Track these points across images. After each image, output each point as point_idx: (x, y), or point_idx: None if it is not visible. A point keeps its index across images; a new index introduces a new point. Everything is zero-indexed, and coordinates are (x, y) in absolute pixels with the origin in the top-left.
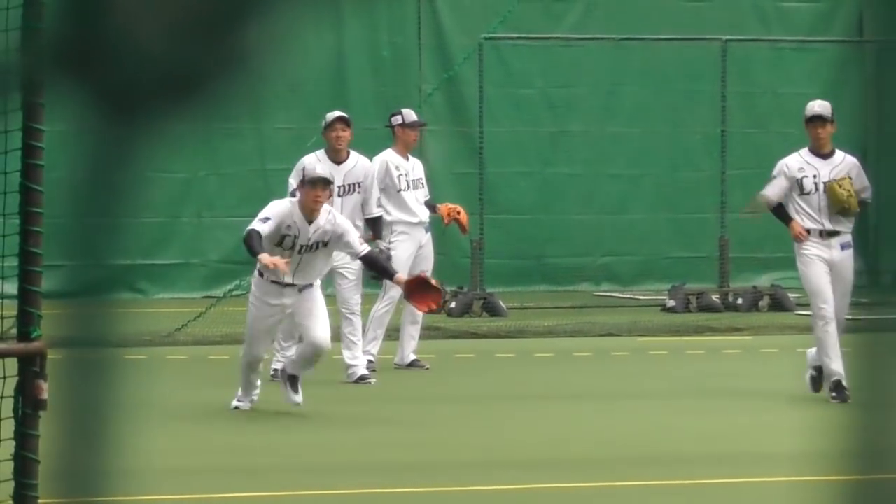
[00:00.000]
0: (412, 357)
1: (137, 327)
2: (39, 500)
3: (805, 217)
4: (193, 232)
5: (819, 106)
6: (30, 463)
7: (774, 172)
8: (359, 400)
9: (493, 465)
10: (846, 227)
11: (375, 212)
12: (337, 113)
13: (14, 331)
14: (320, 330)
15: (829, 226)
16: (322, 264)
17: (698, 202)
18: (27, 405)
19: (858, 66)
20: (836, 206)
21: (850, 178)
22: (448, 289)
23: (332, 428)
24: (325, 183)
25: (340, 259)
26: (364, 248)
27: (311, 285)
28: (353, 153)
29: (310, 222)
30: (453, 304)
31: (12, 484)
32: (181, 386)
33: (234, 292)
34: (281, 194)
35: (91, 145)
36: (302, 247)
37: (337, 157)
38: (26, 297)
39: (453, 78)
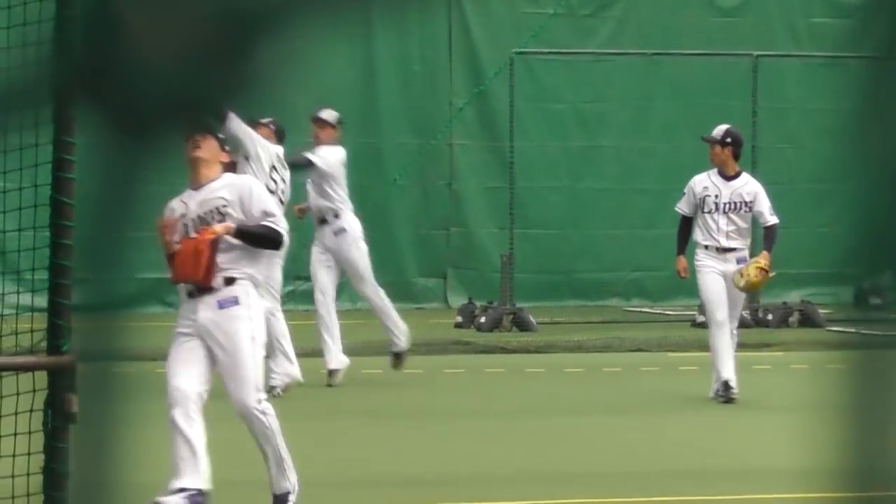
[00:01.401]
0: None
1: (167, 340)
2: None
3: (705, 232)
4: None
5: (716, 130)
6: (59, 476)
7: (685, 189)
8: (386, 415)
9: (522, 479)
10: (742, 245)
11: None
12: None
13: (44, 344)
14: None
15: (724, 244)
16: None
17: None
18: (56, 418)
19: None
20: (756, 288)
21: (757, 264)
22: (478, 303)
23: (364, 443)
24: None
25: None
26: None
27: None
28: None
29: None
30: (483, 319)
31: (42, 497)
32: (211, 399)
33: None
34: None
35: (103, 161)
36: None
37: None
38: (56, 310)
39: (484, 92)
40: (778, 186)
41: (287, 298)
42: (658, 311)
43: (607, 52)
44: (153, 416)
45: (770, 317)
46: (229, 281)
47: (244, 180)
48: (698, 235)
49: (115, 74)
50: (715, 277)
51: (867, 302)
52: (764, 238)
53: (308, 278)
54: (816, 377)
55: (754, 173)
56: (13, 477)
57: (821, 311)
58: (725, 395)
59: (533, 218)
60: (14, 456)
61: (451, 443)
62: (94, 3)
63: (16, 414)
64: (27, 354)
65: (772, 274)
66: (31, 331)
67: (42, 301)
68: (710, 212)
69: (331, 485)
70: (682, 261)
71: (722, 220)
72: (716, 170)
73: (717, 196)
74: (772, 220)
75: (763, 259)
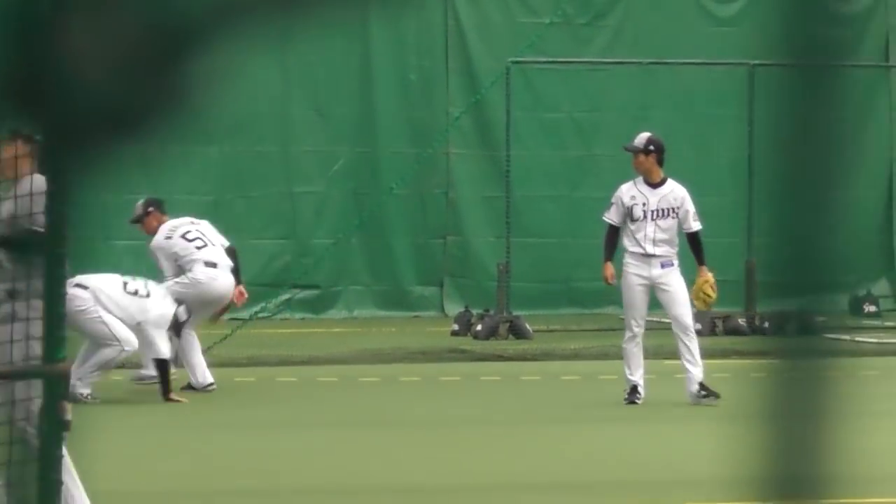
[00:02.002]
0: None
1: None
2: None
3: (632, 239)
4: None
5: (637, 140)
6: (53, 484)
7: (612, 199)
8: (383, 423)
9: (519, 488)
10: (668, 253)
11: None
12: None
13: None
14: None
15: (650, 250)
16: None
17: (725, 226)
18: (51, 426)
19: (885, 91)
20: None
21: (707, 282)
22: (474, 311)
23: (360, 451)
24: None
25: None
26: None
27: None
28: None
29: None
30: (479, 327)
31: None
32: (206, 407)
33: (260, 314)
34: (307, 216)
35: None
36: None
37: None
38: (51, 320)
39: (481, 101)
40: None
41: (284, 306)
42: (654, 319)
43: (604, 61)
44: (167, 424)
45: (767, 325)
46: None
47: None
48: (626, 242)
49: (46, 86)
50: (638, 289)
51: (861, 310)
52: (692, 249)
53: (305, 287)
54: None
55: (749, 182)
56: (9, 485)
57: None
58: (630, 398)
59: (529, 226)
60: (10, 463)
61: (447, 451)
62: (24, 15)
63: (10, 422)
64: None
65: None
66: (27, 339)
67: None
68: (638, 219)
69: (328, 492)
70: (610, 268)
71: (650, 228)
72: (640, 178)
73: (644, 204)
74: (695, 226)
75: (706, 274)
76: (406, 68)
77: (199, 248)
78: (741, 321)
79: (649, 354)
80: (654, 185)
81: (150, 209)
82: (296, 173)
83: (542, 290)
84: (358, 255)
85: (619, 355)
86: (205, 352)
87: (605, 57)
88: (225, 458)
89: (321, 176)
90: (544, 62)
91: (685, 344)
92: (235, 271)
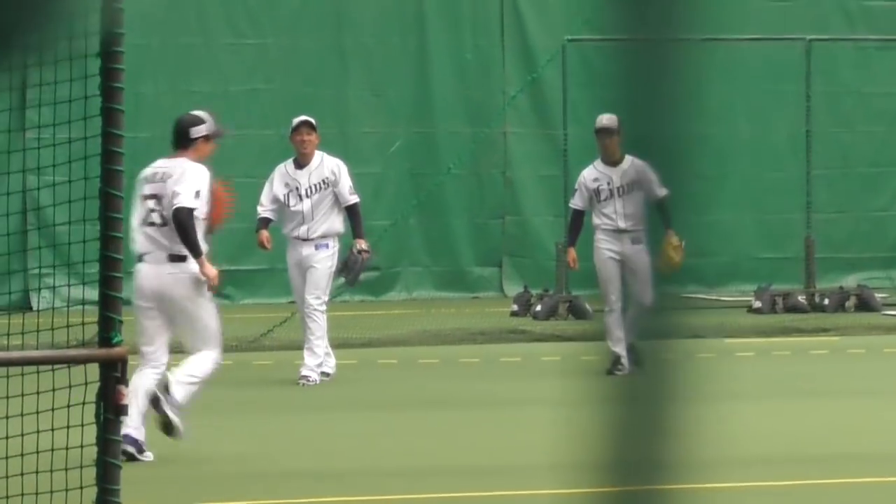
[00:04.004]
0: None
1: (224, 333)
2: None
3: (603, 217)
4: (279, 237)
5: (607, 119)
6: (112, 468)
7: (576, 185)
8: (443, 404)
9: (580, 467)
10: (637, 227)
11: (350, 199)
12: (302, 117)
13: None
14: None
15: (621, 225)
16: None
17: (784, 202)
18: (109, 411)
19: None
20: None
21: (671, 245)
22: (533, 292)
23: (421, 431)
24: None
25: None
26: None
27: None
28: (317, 154)
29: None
30: (539, 307)
31: (95, 490)
32: (266, 390)
33: None
34: (365, 198)
35: None
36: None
37: (302, 161)
38: (107, 303)
39: (537, 80)
40: (832, 171)
41: (343, 289)
42: (714, 298)
43: (660, 37)
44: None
45: (826, 301)
46: None
47: None
48: (596, 221)
49: None
50: (610, 263)
51: None
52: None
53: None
54: (874, 361)
55: (808, 158)
56: (66, 470)
57: (877, 295)
58: (611, 369)
59: None
60: (67, 448)
61: (508, 432)
62: None
63: (68, 407)
64: (79, 347)
65: (683, 243)
66: (83, 323)
67: (94, 294)
68: (605, 199)
69: (388, 474)
70: (573, 252)
71: (618, 204)
72: (599, 160)
73: (609, 183)
74: (661, 191)
75: (673, 238)
76: (462, 48)
77: None
78: (801, 298)
79: (708, 333)
80: (615, 164)
81: None
82: (353, 154)
83: None
84: (416, 236)
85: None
86: (264, 335)
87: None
88: (285, 440)
89: (379, 157)
90: (600, 39)
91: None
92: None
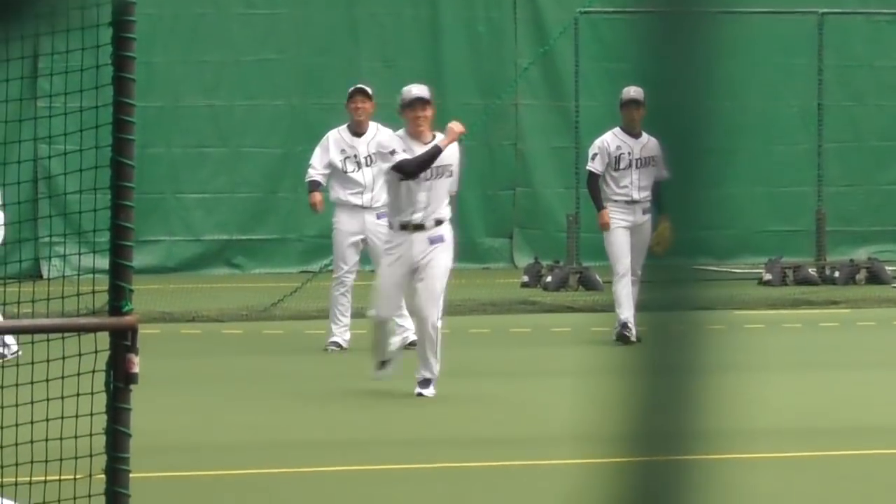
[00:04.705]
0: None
1: (235, 302)
2: (131, 474)
3: (617, 187)
4: (290, 207)
5: (635, 91)
6: (122, 437)
7: (594, 150)
8: (452, 373)
9: (589, 438)
10: (648, 198)
11: None
12: (358, 85)
13: (106, 305)
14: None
15: (636, 196)
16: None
17: (795, 175)
18: (119, 379)
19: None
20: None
21: (666, 228)
22: (544, 263)
23: (430, 401)
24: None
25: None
26: None
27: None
28: (372, 123)
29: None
30: (549, 278)
31: (105, 458)
32: (276, 359)
33: (330, 267)
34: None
35: None
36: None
37: (357, 129)
38: (117, 272)
39: (549, 52)
40: (844, 144)
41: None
42: (724, 270)
43: (670, 10)
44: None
45: (837, 274)
46: None
47: None
48: (607, 191)
49: None
50: (621, 232)
51: None
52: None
53: None
54: (884, 334)
55: (819, 131)
56: (76, 437)
57: (888, 268)
58: (620, 332)
59: None
60: (77, 416)
61: (517, 402)
62: None
63: (78, 375)
64: (90, 315)
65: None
66: (94, 291)
67: (104, 263)
68: (624, 168)
69: (399, 443)
70: (606, 214)
71: (635, 175)
72: (618, 129)
73: (629, 153)
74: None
75: (665, 220)
76: (474, 20)
77: None
78: (811, 271)
79: (719, 305)
80: (636, 136)
81: None
82: None
83: None
84: None
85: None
86: (274, 305)
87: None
88: (296, 409)
89: (390, 128)
90: (612, 12)
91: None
92: None
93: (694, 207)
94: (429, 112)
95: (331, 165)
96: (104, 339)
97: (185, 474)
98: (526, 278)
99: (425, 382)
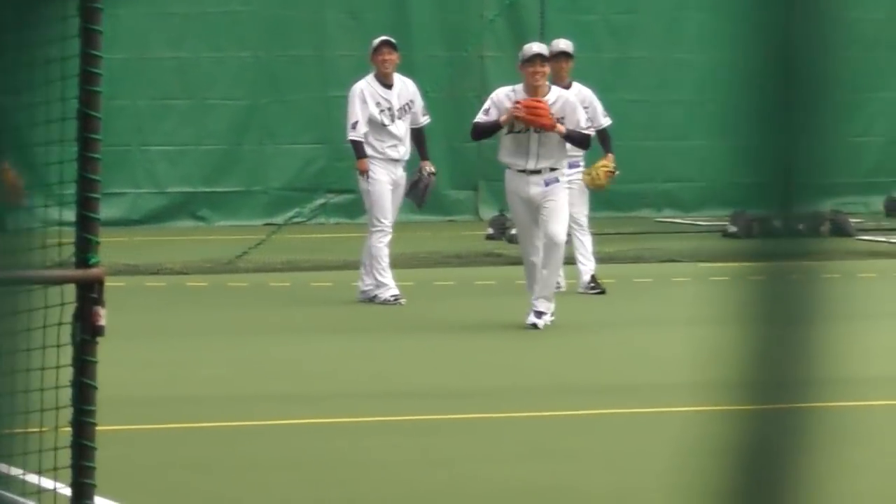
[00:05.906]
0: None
1: (199, 254)
2: (97, 427)
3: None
4: (255, 159)
5: (564, 43)
6: (88, 389)
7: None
8: (417, 327)
9: (552, 391)
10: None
11: (422, 121)
12: (383, 37)
13: (73, 258)
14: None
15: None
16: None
17: None
18: (85, 332)
19: None
20: (602, 188)
21: (605, 168)
22: (509, 215)
23: (395, 355)
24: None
25: None
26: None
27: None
28: (396, 75)
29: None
30: (514, 231)
31: (71, 410)
32: (242, 313)
33: (295, 219)
34: (342, 121)
35: None
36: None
37: (386, 81)
38: (84, 224)
39: (515, 4)
40: None
41: (318, 211)
42: (689, 222)
43: None
44: (169, 328)
45: (801, 227)
46: None
47: None
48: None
49: None
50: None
51: None
52: (602, 142)
53: (339, 191)
54: (848, 286)
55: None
56: (42, 390)
57: (851, 220)
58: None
59: None
60: (43, 369)
61: (483, 355)
62: None
63: (44, 327)
64: (55, 268)
65: (617, 172)
66: (59, 244)
67: (70, 215)
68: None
69: (364, 396)
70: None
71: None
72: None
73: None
74: (605, 122)
75: (609, 161)
76: None
77: None
78: (777, 223)
79: (684, 257)
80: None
81: None
82: (330, 77)
83: None
84: None
85: (654, 258)
86: (239, 257)
87: None
88: (261, 362)
89: (356, 80)
90: None
91: (579, 239)
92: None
93: (817, 154)
94: (547, 68)
95: (371, 120)
96: (70, 291)
97: (151, 427)
98: (491, 231)
99: (540, 314)
